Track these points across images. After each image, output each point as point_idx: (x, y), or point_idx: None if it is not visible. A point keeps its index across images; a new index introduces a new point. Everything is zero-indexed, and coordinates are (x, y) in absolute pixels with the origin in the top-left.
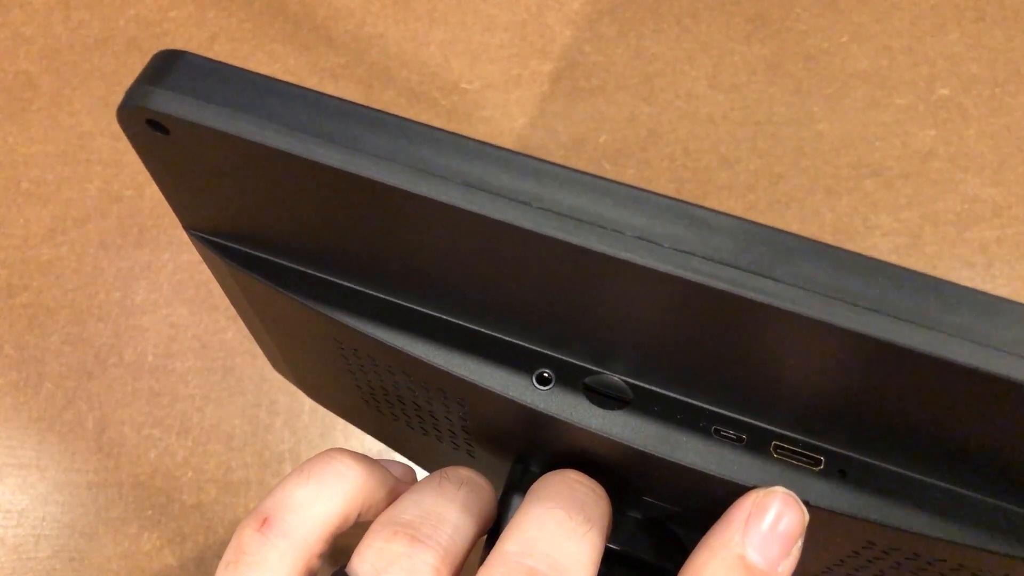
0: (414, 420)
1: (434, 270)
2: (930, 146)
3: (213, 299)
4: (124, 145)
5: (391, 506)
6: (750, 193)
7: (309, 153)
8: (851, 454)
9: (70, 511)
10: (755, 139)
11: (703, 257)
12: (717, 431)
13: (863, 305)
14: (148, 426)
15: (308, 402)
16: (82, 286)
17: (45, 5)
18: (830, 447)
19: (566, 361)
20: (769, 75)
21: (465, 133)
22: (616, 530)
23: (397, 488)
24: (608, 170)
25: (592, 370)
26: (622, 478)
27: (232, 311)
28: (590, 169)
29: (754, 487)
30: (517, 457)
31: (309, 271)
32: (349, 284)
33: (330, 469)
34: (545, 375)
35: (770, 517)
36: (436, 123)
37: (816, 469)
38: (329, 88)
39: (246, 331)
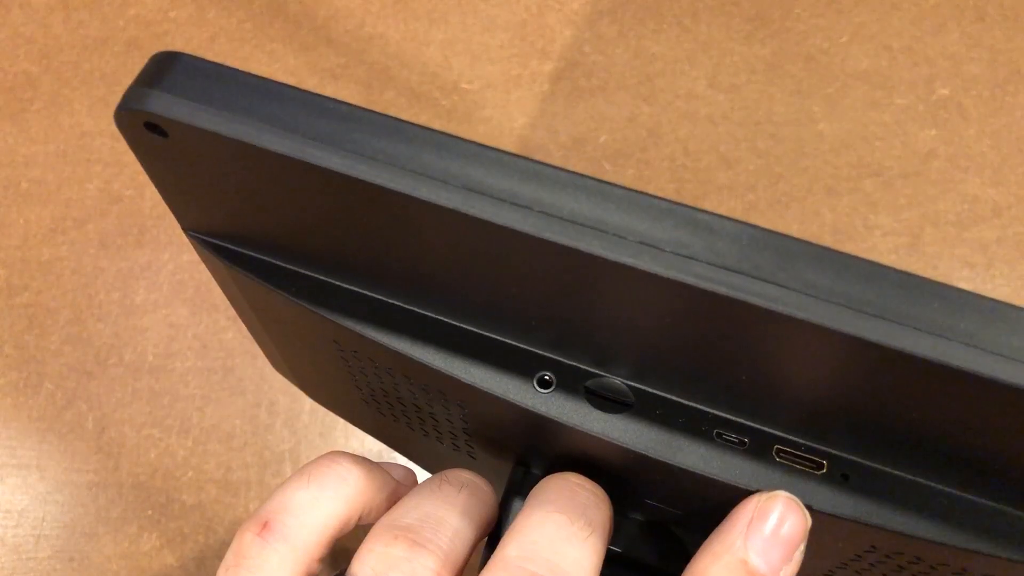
0: (414, 421)
1: (434, 273)
2: (930, 146)
3: (213, 299)
4: (124, 145)
5: (391, 509)
6: (750, 193)
7: (307, 156)
8: (854, 458)
9: (70, 511)
10: (755, 139)
11: (706, 262)
12: (719, 435)
13: (867, 311)
14: (148, 426)
15: (308, 402)
16: (82, 286)
17: (45, 5)
18: (833, 451)
19: (567, 364)
20: (769, 75)
21: (465, 133)
22: (618, 532)
23: (398, 491)
24: (608, 170)
25: (593, 373)
26: (624, 481)
27: (232, 311)
28: (590, 169)
29: (756, 491)
30: (518, 459)
31: (308, 273)
32: (349, 286)
33: (330, 472)
34: (546, 378)
35: (772, 521)
36: (436, 123)
37: (819, 473)
38: (329, 88)
39: (246, 331)
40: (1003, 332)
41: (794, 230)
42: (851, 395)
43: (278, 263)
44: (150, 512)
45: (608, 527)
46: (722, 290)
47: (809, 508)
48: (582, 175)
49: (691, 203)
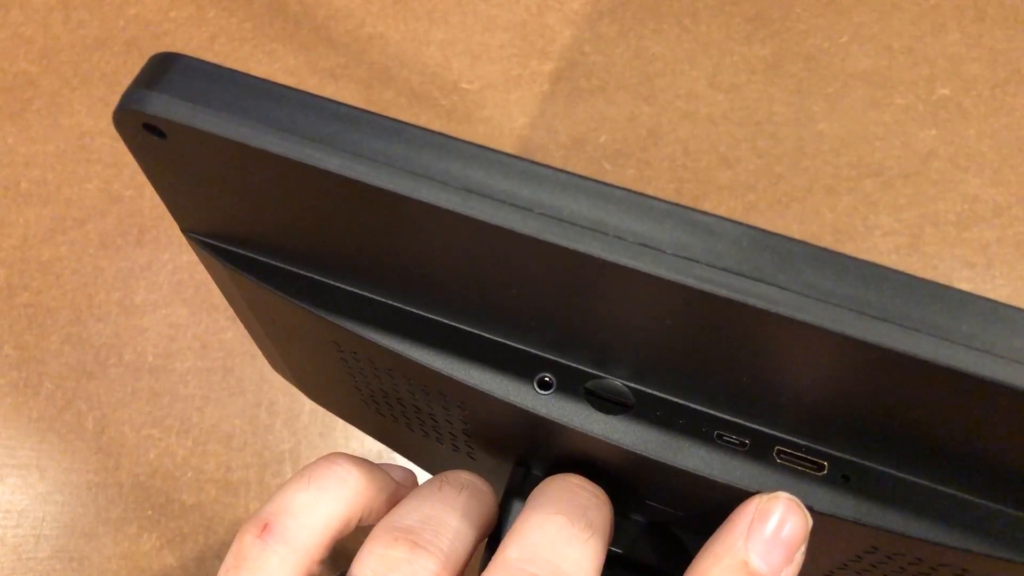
0: (414, 422)
1: (434, 274)
2: (930, 146)
3: (213, 299)
4: (124, 145)
5: (392, 511)
6: (750, 193)
7: (306, 157)
8: (854, 459)
9: (70, 511)
10: (755, 139)
11: (706, 264)
12: (720, 436)
13: (868, 313)
14: (148, 426)
15: (308, 402)
16: (82, 286)
17: (45, 5)
18: (833, 452)
19: (567, 365)
20: (769, 75)
21: (465, 133)
22: (618, 533)
23: (398, 492)
24: (608, 170)
25: (594, 374)
26: (624, 482)
27: (232, 311)
28: (590, 169)
29: (757, 492)
30: (518, 460)
31: (308, 274)
32: (348, 287)
33: (331, 474)
34: (546, 379)
35: (773, 523)
36: (436, 123)
37: (819, 474)
38: (329, 88)
39: (246, 331)
40: (1004, 334)
41: (794, 230)
42: (852, 396)
43: (277, 264)
44: (150, 512)
45: (609, 528)
46: (722, 292)
47: (810, 509)
48: (582, 176)
49: (691, 203)
